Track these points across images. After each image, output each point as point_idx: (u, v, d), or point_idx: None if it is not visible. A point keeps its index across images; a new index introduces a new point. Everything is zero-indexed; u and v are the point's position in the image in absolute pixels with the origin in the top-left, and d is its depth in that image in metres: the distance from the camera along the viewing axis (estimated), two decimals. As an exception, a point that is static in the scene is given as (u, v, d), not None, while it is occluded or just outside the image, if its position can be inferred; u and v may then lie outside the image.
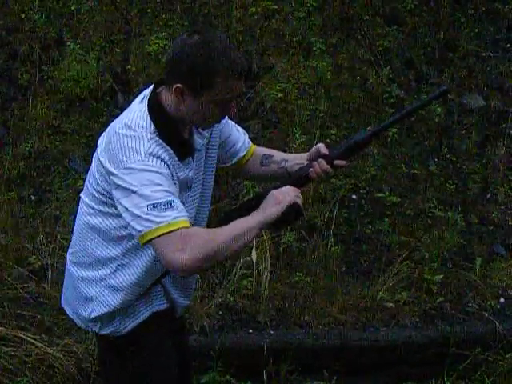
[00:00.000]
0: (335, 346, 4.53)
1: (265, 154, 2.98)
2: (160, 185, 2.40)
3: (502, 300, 5.06)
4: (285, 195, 2.54)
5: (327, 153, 2.73)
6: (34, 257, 4.72)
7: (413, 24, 7.08)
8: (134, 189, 2.39)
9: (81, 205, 2.71)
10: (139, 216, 2.38)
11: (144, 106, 2.53)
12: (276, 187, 2.64)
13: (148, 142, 2.44)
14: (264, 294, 4.65)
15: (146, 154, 2.41)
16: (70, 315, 2.87)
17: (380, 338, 4.61)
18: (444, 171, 6.06)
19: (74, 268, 2.75)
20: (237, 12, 6.64)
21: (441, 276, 5.03)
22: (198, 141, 2.67)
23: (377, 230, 5.42)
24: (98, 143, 2.59)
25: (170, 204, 2.39)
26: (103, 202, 2.56)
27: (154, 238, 2.37)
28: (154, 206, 2.37)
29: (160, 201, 2.38)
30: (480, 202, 5.95)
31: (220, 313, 4.55)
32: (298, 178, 2.74)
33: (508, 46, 7.26)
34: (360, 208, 5.54)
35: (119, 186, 2.42)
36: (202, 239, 2.39)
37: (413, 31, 7.05)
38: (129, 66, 6.10)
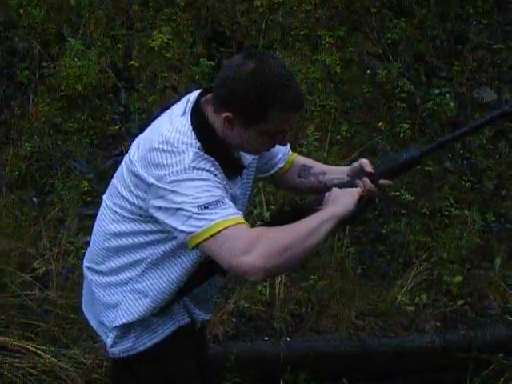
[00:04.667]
0: (354, 352, 4.37)
1: (303, 165, 2.80)
2: (209, 191, 2.21)
3: (524, 301, 4.92)
4: (350, 190, 2.41)
5: (372, 171, 2.55)
6: (37, 262, 4.53)
7: (421, 16, 6.93)
8: (179, 206, 2.20)
9: (104, 210, 2.52)
10: (190, 217, 2.18)
11: (187, 121, 2.33)
12: (316, 200, 2.49)
13: (193, 155, 2.24)
14: (278, 299, 4.48)
15: (190, 167, 2.22)
16: (92, 324, 2.69)
17: (400, 343, 4.45)
18: (458, 168, 5.92)
19: (95, 275, 2.56)
20: (241, 5, 6.47)
21: (461, 277, 4.88)
22: (246, 157, 2.50)
23: (392, 229, 5.27)
24: (131, 152, 2.40)
25: (222, 202, 2.20)
26: (134, 213, 2.38)
27: (208, 238, 2.18)
28: (205, 207, 2.18)
29: (211, 200, 2.19)
30: (496, 199, 5.80)
31: (233, 320, 4.38)
32: None
33: (519, 38, 7.12)
34: (374, 207, 5.36)
35: (161, 207, 2.25)
36: (271, 234, 2.19)
37: (421, 24, 6.90)
38: (131, 62, 5.92)
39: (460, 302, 4.80)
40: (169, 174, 2.21)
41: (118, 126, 5.57)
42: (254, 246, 2.14)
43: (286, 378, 4.19)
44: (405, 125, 6.01)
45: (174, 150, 2.24)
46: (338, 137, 5.76)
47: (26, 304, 4.27)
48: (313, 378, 4.23)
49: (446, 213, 5.48)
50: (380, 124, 6.05)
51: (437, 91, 6.31)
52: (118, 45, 6.03)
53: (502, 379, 4.46)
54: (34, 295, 4.34)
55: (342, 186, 2.54)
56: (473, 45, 6.89)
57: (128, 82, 5.88)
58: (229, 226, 2.17)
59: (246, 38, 6.27)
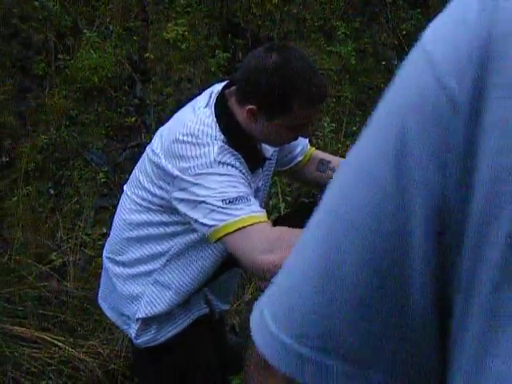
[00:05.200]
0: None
1: (322, 159, 2.81)
2: (234, 187, 2.22)
3: None
4: None
5: None
6: (54, 254, 4.55)
7: (436, 7, 6.88)
8: (202, 199, 2.21)
9: (125, 200, 2.54)
10: (213, 210, 2.19)
11: (211, 113, 2.34)
12: None
13: (218, 149, 2.25)
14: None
15: (215, 161, 2.23)
16: (109, 315, 2.71)
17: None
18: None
19: (116, 266, 2.57)
20: (256, -3, 6.47)
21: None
22: (268, 149, 2.51)
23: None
24: (154, 143, 2.41)
25: (247, 199, 2.21)
26: (155, 204, 2.39)
27: (232, 233, 2.17)
28: (229, 201, 2.18)
29: (236, 195, 2.20)
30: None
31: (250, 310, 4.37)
32: None
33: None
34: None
35: (183, 199, 2.25)
36: (293, 236, 2.17)
37: (436, 14, 6.84)
38: (147, 54, 5.93)
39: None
40: (194, 167, 2.22)
41: (133, 118, 5.57)
42: (278, 246, 2.14)
43: (302, 369, 4.18)
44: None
45: (199, 141, 2.24)
46: (354, 128, 5.75)
47: (44, 295, 4.30)
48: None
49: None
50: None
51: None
52: (134, 37, 6.03)
53: None
54: (52, 287, 4.37)
55: None
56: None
57: (143, 74, 5.88)
58: (253, 223, 2.18)
59: (260, 30, 6.26)
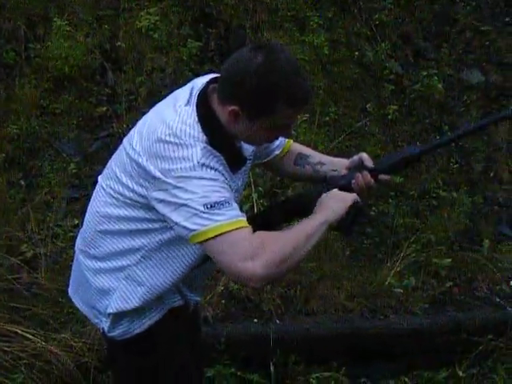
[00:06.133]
0: (343, 334, 4.36)
1: (300, 153, 2.79)
2: (216, 191, 2.20)
3: (512, 284, 4.93)
4: (344, 195, 2.37)
5: (372, 166, 2.56)
6: (25, 245, 4.49)
7: (408, -3, 6.89)
8: (184, 202, 2.18)
9: (100, 192, 2.49)
10: (195, 214, 2.17)
11: (192, 111, 2.30)
12: (314, 192, 2.49)
13: (201, 150, 2.22)
14: (268, 281, 4.45)
15: (199, 164, 2.20)
16: (80, 307, 2.67)
17: (389, 325, 4.45)
18: (447, 150, 5.90)
19: (88, 260, 2.53)
20: (228, -14, 6.42)
21: (449, 260, 4.88)
22: (247, 148, 2.49)
23: (381, 211, 5.26)
24: (133, 139, 2.36)
25: (229, 203, 2.19)
26: (132, 199, 2.35)
27: (212, 238, 2.16)
28: (211, 206, 2.16)
29: (218, 199, 2.18)
30: (484, 181, 5.80)
31: (223, 302, 4.36)
32: (339, 188, 2.53)
33: (507, 19, 7.10)
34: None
35: (163, 200, 2.23)
36: (274, 242, 2.19)
37: (409, 4, 6.86)
38: (118, 43, 5.86)
39: (448, 284, 4.80)
40: (176, 169, 2.19)
41: (105, 108, 5.51)
42: (257, 254, 2.14)
43: (276, 361, 4.18)
44: (393, 106, 5.99)
45: (182, 142, 2.21)
46: (327, 118, 5.74)
47: (15, 288, 4.25)
48: (302, 360, 4.22)
49: (435, 195, 5.47)
50: (368, 105, 6.03)
51: (425, 73, 6.28)
52: (105, 26, 5.96)
53: (490, 361, 4.48)
54: (23, 279, 4.32)
55: (341, 179, 2.55)
56: (460, 26, 6.86)
57: (115, 64, 5.82)
58: (232, 230, 2.17)
59: (233, 19, 6.22)
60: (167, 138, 2.23)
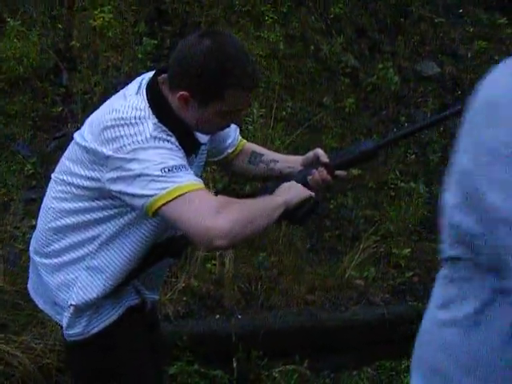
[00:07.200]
0: (305, 327, 4.38)
1: (254, 152, 2.79)
2: (172, 158, 2.17)
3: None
4: (303, 188, 2.41)
5: (328, 161, 2.56)
6: (-17, 248, 4.45)
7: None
8: (139, 172, 2.15)
9: (53, 188, 2.47)
10: (151, 180, 2.13)
11: (143, 99, 2.29)
12: (270, 188, 2.49)
13: (153, 125, 2.21)
14: (229, 276, 4.46)
15: (151, 137, 2.18)
16: (42, 307, 2.65)
17: (351, 317, 4.48)
18: (403, 141, 5.94)
19: (44, 259, 2.51)
20: (183, -18, 6.40)
21: (408, 250, 4.92)
22: (202, 137, 2.48)
23: (339, 204, 5.28)
24: (84, 130, 2.36)
25: (186, 167, 2.18)
26: (87, 189, 2.33)
27: (173, 200, 2.12)
28: (168, 170, 2.13)
29: (175, 163, 2.15)
30: (441, 171, 5.85)
31: (184, 299, 4.36)
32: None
33: (460, 11, 7.17)
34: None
35: (118, 177, 2.20)
36: (240, 203, 2.18)
37: (361, -3, 6.90)
38: (73, 42, 5.82)
39: (409, 274, 4.84)
40: (128, 144, 2.17)
41: (60, 108, 5.47)
42: (223, 210, 2.10)
43: (239, 356, 4.18)
44: (349, 99, 6.02)
45: (132, 122, 2.20)
46: (284, 113, 5.75)
47: (-27, 291, 4.21)
48: (265, 355, 4.23)
49: (393, 186, 5.51)
50: (325, 99, 6.05)
51: (380, 65, 6.33)
52: (59, 25, 5.92)
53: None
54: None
55: (298, 175, 2.56)
56: (415, 19, 6.92)
57: (70, 63, 5.77)
58: (193, 190, 2.13)
59: (189, 16, 6.21)
60: (116, 122, 2.21)
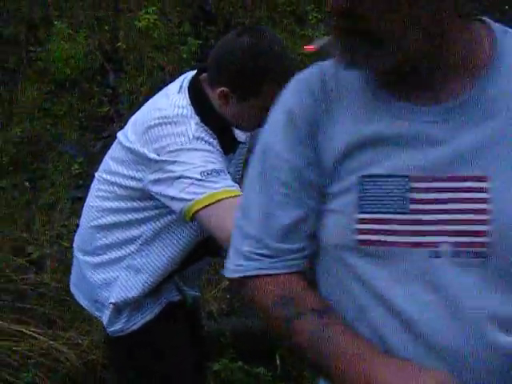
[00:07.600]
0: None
1: None
2: (212, 162, 2.19)
3: None
4: None
5: None
6: (31, 246, 4.54)
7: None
8: (179, 174, 2.18)
9: (95, 187, 2.52)
10: (191, 184, 2.16)
11: (184, 97, 2.31)
12: None
13: (195, 125, 2.24)
14: (273, 273, 4.47)
15: (194, 137, 2.21)
16: (82, 303, 2.68)
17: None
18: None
19: (86, 256, 2.55)
20: (227, -16, 6.45)
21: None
22: (240, 135, 2.50)
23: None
24: (127, 129, 2.39)
25: (224, 172, 2.20)
26: (129, 188, 2.37)
27: (209, 205, 2.14)
28: (208, 174, 2.16)
29: (214, 167, 2.18)
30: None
31: (228, 296, 4.39)
32: None
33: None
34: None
35: (159, 179, 2.23)
36: None
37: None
38: (119, 44, 5.90)
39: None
40: (170, 144, 2.20)
41: (107, 108, 5.55)
42: None
43: (282, 353, 4.19)
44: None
45: (175, 120, 2.23)
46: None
47: (22, 288, 4.29)
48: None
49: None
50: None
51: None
52: (105, 26, 6.00)
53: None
54: (30, 279, 4.36)
55: None
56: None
57: (116, 64, 5.86)
58: (231, 197, 2.15)
59: (232, 16, 6.25)
60: (159, 121, 2.24)
